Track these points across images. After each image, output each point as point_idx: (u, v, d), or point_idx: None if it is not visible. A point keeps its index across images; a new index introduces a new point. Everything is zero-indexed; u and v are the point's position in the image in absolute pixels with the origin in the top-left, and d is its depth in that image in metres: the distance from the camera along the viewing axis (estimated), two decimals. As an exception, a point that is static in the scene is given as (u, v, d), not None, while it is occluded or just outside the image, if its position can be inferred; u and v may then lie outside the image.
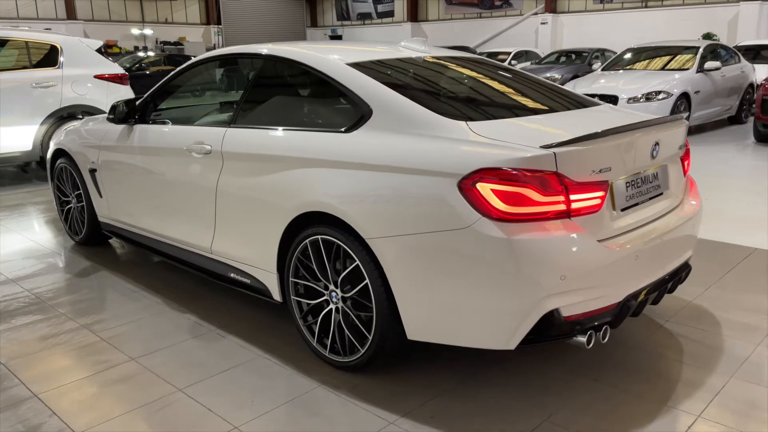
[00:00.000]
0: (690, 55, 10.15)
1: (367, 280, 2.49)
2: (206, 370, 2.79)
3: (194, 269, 3.51)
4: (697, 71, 9.75)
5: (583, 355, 2.82)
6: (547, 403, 2.48)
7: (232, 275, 3.20)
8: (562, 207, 2.19)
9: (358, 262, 2.51)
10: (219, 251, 3.24)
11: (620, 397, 2.51)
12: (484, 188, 2.18)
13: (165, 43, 28.69)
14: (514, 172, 2.15)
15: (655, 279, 2.52)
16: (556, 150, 2.17)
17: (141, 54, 21.24)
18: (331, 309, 2.71)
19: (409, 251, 2.33)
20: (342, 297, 2.65)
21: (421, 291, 2.34)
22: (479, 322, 2.26)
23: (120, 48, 25.50)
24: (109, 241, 4.70)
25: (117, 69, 7.54)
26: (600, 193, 2.28)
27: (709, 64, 9.84)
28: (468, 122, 2.42)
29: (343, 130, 2.65)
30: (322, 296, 2.74)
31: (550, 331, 2.24)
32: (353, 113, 2.68)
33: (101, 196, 4.19)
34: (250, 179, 2.94)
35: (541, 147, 2.18)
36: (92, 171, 4.20)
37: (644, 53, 10.95)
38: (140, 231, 3.88)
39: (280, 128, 2.91)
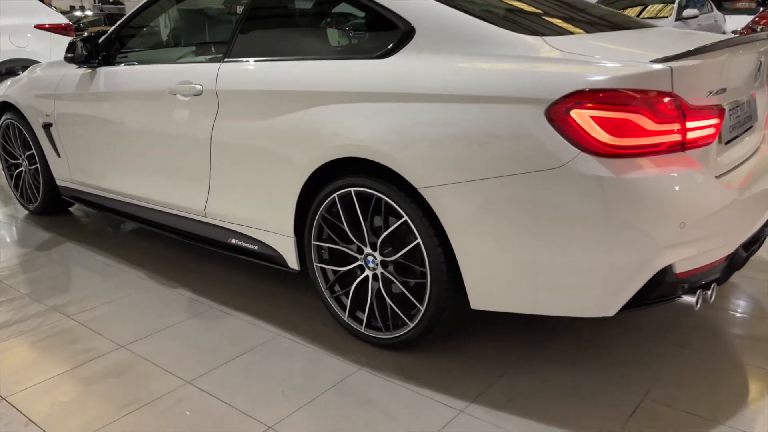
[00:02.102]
0: (663, 5, 9.88)
1: (419, 240, 2.03)
2: (216, 355, 2.29)
3: (182, 236, 2.97)
4: (676, 19, 9.49)
5: (651, 318, 2.45)
6: (637, 376, 2.09)
7: (232, 241, 2.68)
8: (677, 137, 1.76)
9: (406, 217, 2.04)
10: (215, 213, 2.71)
11: (714, 363, 2.15)
12: (582, 116, 1.72)
13: (103, 2, 26.83)
14: (620, 94, 1.70)
15: (762, 224, 2.13)
16: (672, 64, 1.72)
17: (78, 14, 19.79)
18: (368, 276, 2.24)
19: (479, 200, 1.86)
20: (382, 261, 2.18)
21: (496, 249, 1.88)
22: (572, 286, 1.82)
23: (54, 8, 23.71)
24: (70, 209, 4.07)
25: (60, 18, 6.72)
26: (715, 121, 1.85)
27: (687, 12, 9.59)
28: (544, 37, 1.95)
29: (378, 54, 2.14)
30: (356, 261, 2.27)
31: (656, 291, 1.83)
32: (389, 34, 2.17)
33: (59, 156, 3.56)
34: (257, 123, 2.40)
35: (651, 62, 1.73)
36: (47, 126, 3.56)
37: (618, 3, 10.60)
38: (111, 194, 3.29)
39: (294, 58, 2.38)
